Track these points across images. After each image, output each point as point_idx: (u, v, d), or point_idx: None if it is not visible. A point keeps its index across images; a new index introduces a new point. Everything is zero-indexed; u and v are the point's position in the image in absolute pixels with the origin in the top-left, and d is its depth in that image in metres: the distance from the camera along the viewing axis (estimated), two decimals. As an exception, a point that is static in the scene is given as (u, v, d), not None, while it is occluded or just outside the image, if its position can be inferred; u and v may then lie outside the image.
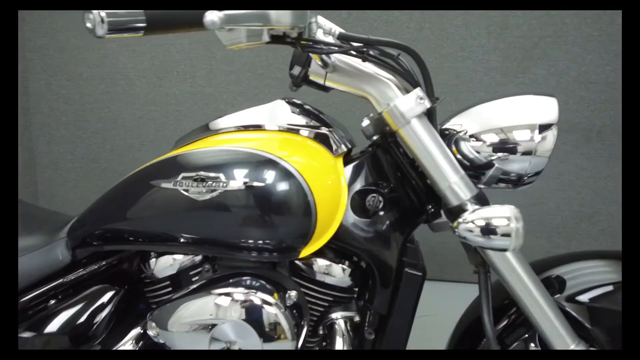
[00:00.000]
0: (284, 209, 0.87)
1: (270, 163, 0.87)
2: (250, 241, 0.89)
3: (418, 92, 0.86)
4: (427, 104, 0.85)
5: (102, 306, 1.01)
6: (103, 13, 0.64)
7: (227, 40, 0.77)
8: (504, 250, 0.80)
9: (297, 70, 0.93)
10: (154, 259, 1.01)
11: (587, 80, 2.13)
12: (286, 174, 0.87)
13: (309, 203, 0.87)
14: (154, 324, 0.94)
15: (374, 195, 0.93)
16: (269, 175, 0.86)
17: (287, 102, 0.99)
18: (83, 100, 2.54)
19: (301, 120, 0.95)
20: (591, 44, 2.11)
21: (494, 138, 0.89)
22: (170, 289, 1.00)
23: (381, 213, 0.93)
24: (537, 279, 0.91)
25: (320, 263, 0.97)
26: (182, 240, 0.92)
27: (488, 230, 0.78)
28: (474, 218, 0.80)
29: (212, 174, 0.87)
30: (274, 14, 0.74)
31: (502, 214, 0.78)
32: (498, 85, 2.19)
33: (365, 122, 0.95)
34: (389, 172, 0.95)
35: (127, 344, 1.00)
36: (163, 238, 0.93)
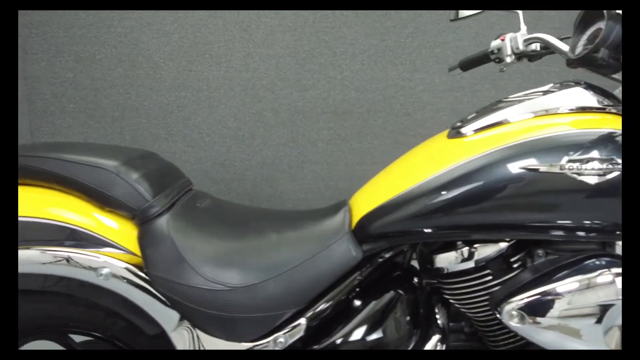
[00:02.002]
0: None
1: None
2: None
3: None
4: None
5: (406, 304, 1.03)
6: None
7: None
8: None
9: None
10: (460, 250, 0.98)
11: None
12: None
13: None
14: (524, 314, 0.92)
15: None
16: None
17: (588, 85, 0.99)
18: (96, 85, 2.25)
19: (609, 102, 0.96)
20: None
21: None
22: (488, 278, 0.98)
23: None
24: None
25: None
26: (538, 225, 0.91)
27: None
28: None
29: (604, 157, 0.88)
30: None
31: None
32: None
33: None
34: None
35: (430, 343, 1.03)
36: (505, 225, 0.92)
